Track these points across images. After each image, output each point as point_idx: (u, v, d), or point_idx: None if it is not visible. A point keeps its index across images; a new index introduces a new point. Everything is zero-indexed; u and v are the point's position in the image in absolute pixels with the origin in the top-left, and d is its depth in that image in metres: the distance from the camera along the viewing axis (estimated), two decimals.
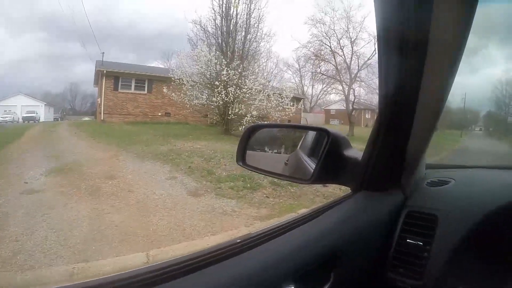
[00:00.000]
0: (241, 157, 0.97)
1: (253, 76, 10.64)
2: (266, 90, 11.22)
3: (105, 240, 3.22)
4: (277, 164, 1.07)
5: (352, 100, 21.03)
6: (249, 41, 11.97)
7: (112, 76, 15.21)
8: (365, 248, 0.70)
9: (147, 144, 9.05)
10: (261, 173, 1.03)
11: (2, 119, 25.18)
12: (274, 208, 4.46)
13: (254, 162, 0.98)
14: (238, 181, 5.52)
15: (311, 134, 1.04)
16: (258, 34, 12.16)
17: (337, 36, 21.17)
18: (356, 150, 0.81)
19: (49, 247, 2.98)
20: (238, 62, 10.66)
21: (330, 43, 21.17)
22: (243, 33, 11.85)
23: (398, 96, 0.66)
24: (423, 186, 0.83)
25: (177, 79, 11.23)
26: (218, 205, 4.55)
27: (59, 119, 30.75)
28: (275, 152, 1.13)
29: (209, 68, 10.70)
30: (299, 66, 26.18)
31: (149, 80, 15.75)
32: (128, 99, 15.77)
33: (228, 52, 11.37)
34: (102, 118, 15.32)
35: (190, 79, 10.93)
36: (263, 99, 11.24)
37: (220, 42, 11.64)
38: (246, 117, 10.74)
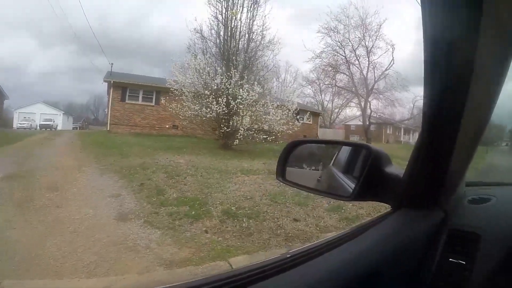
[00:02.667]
0: (281, 173, 1.00)
1: (247, 85, 9.80)
2: (263, 101, 10.26)
3: None
4: (310, 181, 1.06)
5: (369, 113, 19.38)
6: (251, 49, 11.25)
7: (120, 87, 15.42)
8: (406, 267, 0.70)
9: (126, 156, 8.60)
10: (301, 189, 1.03)
11: (20, 125, 27.49)
12: (201, 249, 3.45)
13: (291, 178, 1.01)
14: (184, 206, 4.63)
15: (345, 151, 1.04)
16: (262, 41, 11.39)
17: (352, 45, 20.02)
18: (397, 167, 0.80)
19: None
20: (234, 70, 9.94)
21: (344, 52, 20.00)
22: (245, 41, 11.18)
23: (442, 114, 0.67)
24: (464, 204, 0.82)
25: (174, 89, 10.82)
26: (134, 236, 3.75)
27: (78, 128, 32.27)
28: (312, 169, 1.12)
29: (202, 76, 10.12)
30: (317, 78, 25.03)
31: (157, 92, 15.62)
32: (135, 111, 15.83)
33: (226, 60, 10.75)
34: (108, 129, 15.50)
35: (184, 89, 10.43)
36: (260, 111, 10.30)
37: (221, 50, 11.06)
38: (240, 131, 9.86)
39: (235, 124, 9.92)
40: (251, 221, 4.23)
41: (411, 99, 22.49)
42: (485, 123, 0.70)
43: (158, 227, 3.99)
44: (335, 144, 1.19)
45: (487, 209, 0.77)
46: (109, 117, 15.65)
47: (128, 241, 3.59)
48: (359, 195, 0.78)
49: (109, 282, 2.73)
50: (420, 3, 0.56)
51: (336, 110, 35.03)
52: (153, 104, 15.87)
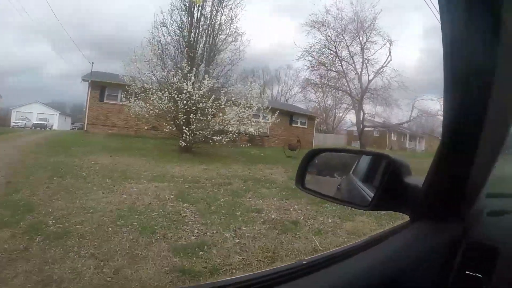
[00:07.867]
0: (300, 181, 1.06)
1: (194, 78, 9.21)
2: (213, 96, 9.55)
3: None
4: (330, 189, 1.11)
5: (362, 116, 17.67)
6: (213, 42, 10.68)
7: (98, 86, 15.82)
8: (422, 280, 0.71)
9: (55, 154, 8.56)
10: (320, 197, 1.09)
11: (15, 124, 30.00)
12: None
13: (310, 186, 1.07)
14: (5, 210, 4.07)
15: (366, 160, 1.07)
16: (229, 33, 10.79)
17: (345, 40, 18.80)
18: (417, 177, 0.81)
19: None
20: (184, 62, 9.44)
21: (335, 47, 18.67)
22: (208, 32, 10.64)
23: (462, 123, 0.68)
24: (483, 216, 0.82)
25: (127, 84, 10.65)
26: None
27: (77, 129, 34.03)
28: (331, 177, 1.17)
29: (151, 69, 9.79)
30: (319, 81, 23.67)
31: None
32: (114, 111, 16.08)
33: (179, 52, 10.31)
34: (85, 129, 15.92)
35: (133, 83, 10.19)
36: (209, 108, 9.59)
37: (181, 42, 10.67)
38: (185, 131, 9.25)
39: (181, 123, 9.35)
40: (35, 243, 3.22)
41: (410, 101, 20.46)
42: (506, 132, 0.71)
43: None
44: (354, 153, 1.23)
45: (507, 222, 0.80)
46: (86, 117, 16.09)
47: None
48: (377, 204, 0.81)
49: None
50: (439, 11, 0.59)
51: (341, 115, 33.47)
52: (132, 104, 15.96)
